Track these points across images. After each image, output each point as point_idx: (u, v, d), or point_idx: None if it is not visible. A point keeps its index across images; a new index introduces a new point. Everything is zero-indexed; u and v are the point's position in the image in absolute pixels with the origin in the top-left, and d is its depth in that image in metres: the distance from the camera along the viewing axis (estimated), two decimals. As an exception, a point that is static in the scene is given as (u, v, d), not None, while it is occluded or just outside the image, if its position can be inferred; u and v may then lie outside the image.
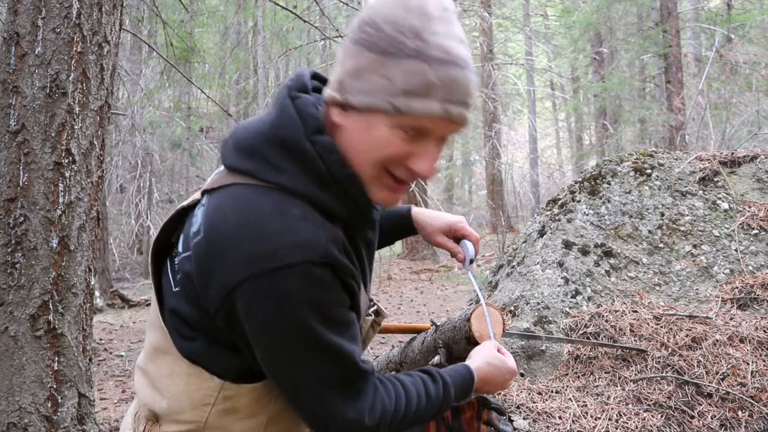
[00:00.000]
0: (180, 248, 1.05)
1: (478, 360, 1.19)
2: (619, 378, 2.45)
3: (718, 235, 3.04)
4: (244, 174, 0.99)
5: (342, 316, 0.98)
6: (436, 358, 2.38)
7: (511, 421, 2.19)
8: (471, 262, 1.37)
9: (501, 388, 1.23)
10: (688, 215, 3.10)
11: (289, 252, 0.91)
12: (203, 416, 1.04)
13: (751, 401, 2.28)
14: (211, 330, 1.01)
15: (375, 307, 1.23)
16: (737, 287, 2.82)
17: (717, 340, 2.53)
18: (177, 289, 1.04)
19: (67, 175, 2.43)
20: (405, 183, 1.00)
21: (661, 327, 2.61)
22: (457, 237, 1.40)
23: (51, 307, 2.37)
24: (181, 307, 1.03)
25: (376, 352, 5.31)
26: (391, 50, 0.91)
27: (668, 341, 2.54)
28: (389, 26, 0.92)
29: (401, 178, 0.98)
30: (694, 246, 3.01)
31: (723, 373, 2.40)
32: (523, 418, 2.22)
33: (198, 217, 1.01)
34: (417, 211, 1.42)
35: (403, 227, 1.42)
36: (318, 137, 0.97)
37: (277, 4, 9.63)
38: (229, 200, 0.97)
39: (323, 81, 1.08)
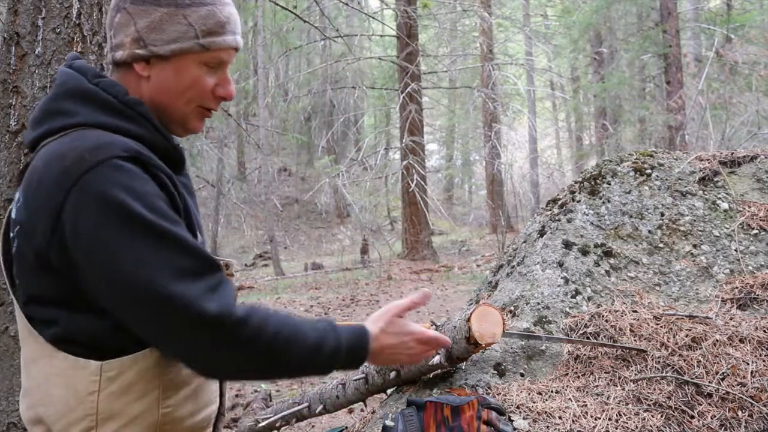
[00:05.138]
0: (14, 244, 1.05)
1: (371, 324, 1.15)
2: (619, 378, 2.45)
3: (718, 235, 3.04)
4: (43, 138, 1.05)
5: (166, 210, 0.99)
6: (436, 358, 2.38)
7: (511, 421, 2.19)
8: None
9: (411, 359, 1.18)
10: (688, 215, 3.10)
11: (93, 153, 0.96)
12: (93, 406, 1.00)
13: (751, 401, 2.28)
14: (60, 292, 0.99)
15: (223, 262, 1.18)
16: (737, 287, 2.81)
17: (717, 340, 2.53)
18: (20, 280, 1.04)
19: (67, 175, 2.44)
20: (213, 109, 1.16)
21: (661, 327, 2.61)
22: None
23: (51, 307, 2.37)
24: (30, 291, 1.03)
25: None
26: (181, 2, 1.07)
27: (668, 341, 2.54)
28: None
29: (210, 106, 1.15)
30: (694, 246, 3.01)
31: (723, 373, 2.40)
32: (523, 418, 2.22)
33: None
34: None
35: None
36: (99, 79, 1.07)
37: (277, 4, 9.61)
38: (34, 163, 1.03)
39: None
